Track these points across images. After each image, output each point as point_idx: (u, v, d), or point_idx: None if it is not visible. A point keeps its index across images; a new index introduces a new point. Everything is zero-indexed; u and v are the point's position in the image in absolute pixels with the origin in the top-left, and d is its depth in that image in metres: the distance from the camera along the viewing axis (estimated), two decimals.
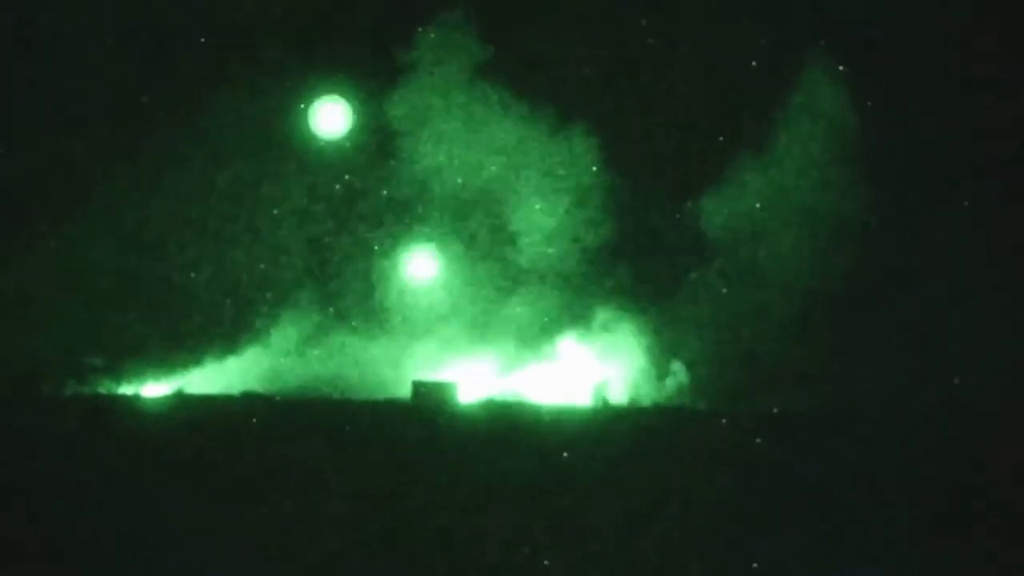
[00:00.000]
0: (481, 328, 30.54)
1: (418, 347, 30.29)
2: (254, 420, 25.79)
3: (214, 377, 29.98)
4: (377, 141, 31.58)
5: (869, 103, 30.30)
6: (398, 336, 30.55)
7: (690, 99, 31.30)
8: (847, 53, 30.45)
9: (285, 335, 30.54)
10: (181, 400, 28.33)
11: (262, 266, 31.43)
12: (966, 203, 30.03)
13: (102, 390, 29.23)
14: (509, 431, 25.13)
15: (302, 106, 31.54)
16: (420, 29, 31.17)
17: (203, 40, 31.34)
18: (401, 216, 31.60)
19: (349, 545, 20.54)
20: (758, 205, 30.40)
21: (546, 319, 30.45)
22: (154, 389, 29.36)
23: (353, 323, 30.85)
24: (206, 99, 31.44)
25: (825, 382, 28.99)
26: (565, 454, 23.49)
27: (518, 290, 30.78)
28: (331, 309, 30.95)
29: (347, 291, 31.31)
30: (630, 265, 30.79)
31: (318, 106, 31.38)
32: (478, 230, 31.31)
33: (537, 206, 31.03)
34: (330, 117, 31.36)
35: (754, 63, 30.63)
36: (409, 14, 31.32)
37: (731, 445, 24.82)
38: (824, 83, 30.42)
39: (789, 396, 28.89)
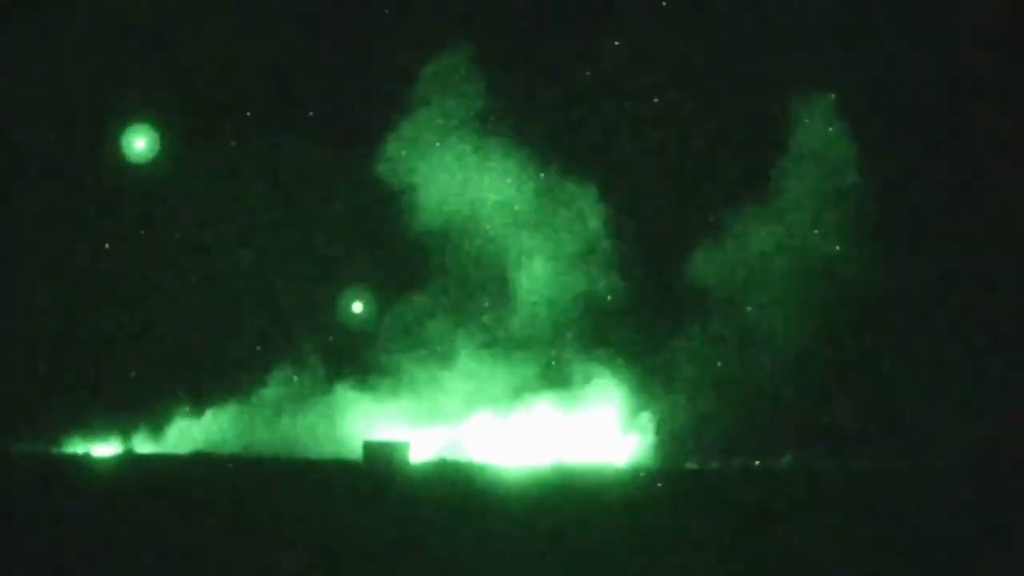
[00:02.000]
0: (461, 386, 30.35)
1: (391, 405, 30.10)
2: (202, 479, 25.61)
3: (182, 437, 29.77)
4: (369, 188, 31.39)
5: (870, 156, 30.12)
6: (376, 393, 30.34)
7: (688, 154, 31.25)
8: (848, 104, 30.44)
9: (262, 393, 30.30)
10: (131, 459, 28.12)
11: (237, 321, 31.27)
12: (972, 257, 29.89)
13: (52, 448, 28.97)
14: (460, 491, 24.96)
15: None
16: (421, 73, 31.00)
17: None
18: (383, 266, 31.47)
19: None
20: (752, 262, 30.32)
21: (524, 377, 30.30)
22: (104, 448, 29.12)
23: (329, 381, 30.63)
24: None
25: (805, 442, 29.03)
26: (520, 514, 23.33)
27: (500, 347, 30.60)
28: (307, 366, 30.73)
29: (324, 347, 31.12)
30: (617, 322, 30.67)
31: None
32: (460, 283, 31.13)
33: (528, 260, 30.90)
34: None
35: (753, 116, 30.59)
36: (410, 56, 31.08)
37: (694, 503, 24.76)
38: (823, 137, 30.36)
39: (763, 455, 28.91)
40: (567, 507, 23.81)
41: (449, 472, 26.41)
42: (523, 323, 30.58)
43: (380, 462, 26.98)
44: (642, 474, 27.38)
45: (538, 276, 30.70)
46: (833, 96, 30.49)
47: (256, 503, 23.59)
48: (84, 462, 27.93)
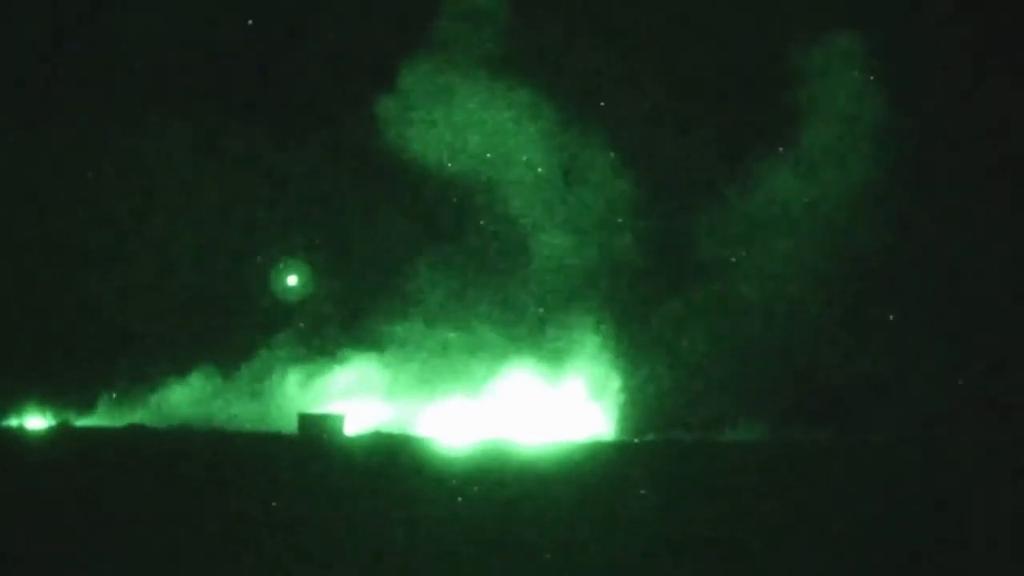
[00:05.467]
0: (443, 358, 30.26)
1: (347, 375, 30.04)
2: (139, 451, 25.59)
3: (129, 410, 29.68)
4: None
5: (885, 112, 29.60)
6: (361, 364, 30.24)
7: (697, 110, 30.73)
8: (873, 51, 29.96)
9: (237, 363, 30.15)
10: (66, 431, 28.03)
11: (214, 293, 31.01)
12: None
13: None
14: (394, 462, 25.06)
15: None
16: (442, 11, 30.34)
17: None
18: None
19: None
20: (758, 229, 30.09)
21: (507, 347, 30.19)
22: (38, 421, 29.01)
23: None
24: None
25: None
26: (454, 484, 23.45)
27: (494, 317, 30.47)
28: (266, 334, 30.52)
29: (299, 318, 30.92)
30: (620, 290, 30.54)
31: None
32: (465, 250, 30.83)
33: (541, 228, 30.60)
34: None
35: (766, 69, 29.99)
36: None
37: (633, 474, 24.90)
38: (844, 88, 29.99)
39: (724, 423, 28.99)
40: (503, 477, 23.95)
41: (382, 444, 26.48)
42: (531, 293, 30.31)
43: (315, 434, 27.03)
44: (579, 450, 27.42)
45: (551, 244, 30.39)
46: (855, 39, 29.86)
47: (191, 473, 23.61)
48: (18, 435, 27.78)
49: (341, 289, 30.86)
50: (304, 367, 29.93)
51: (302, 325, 30.32)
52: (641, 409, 29.57)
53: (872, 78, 29.74)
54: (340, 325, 30.49)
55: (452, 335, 29.99)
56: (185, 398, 29.57)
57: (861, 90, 29.74)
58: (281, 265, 30.43)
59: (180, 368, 29.92)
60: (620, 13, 30.97)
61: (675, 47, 30.72)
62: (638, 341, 29.90)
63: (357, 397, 29.36)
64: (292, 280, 30.26)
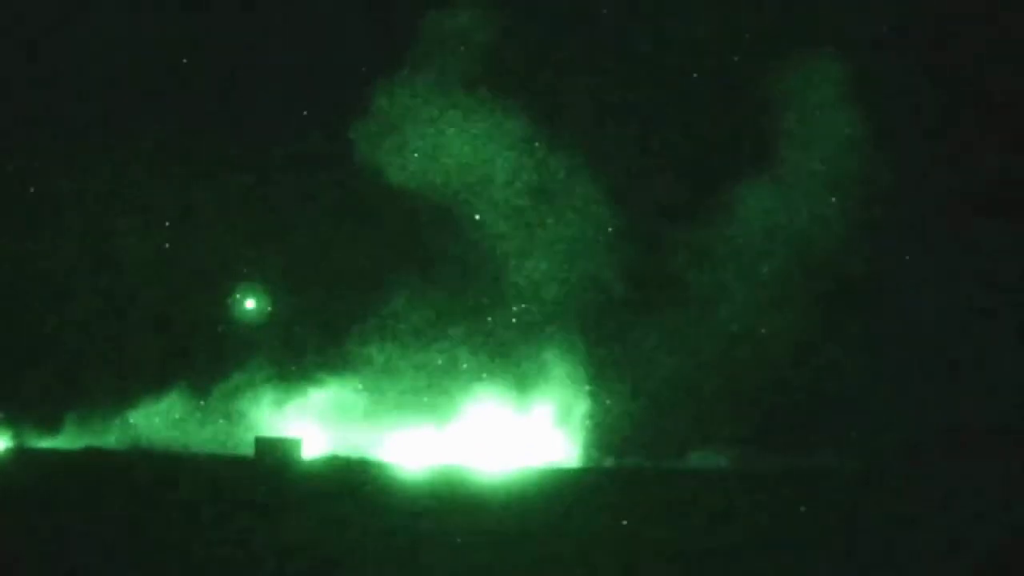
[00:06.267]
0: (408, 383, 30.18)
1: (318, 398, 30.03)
2: (95, 474, 25.58)
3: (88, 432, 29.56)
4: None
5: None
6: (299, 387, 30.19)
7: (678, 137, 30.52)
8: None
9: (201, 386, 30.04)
10: (21, 453, 27.92)
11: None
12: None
13: None
14: (352, 488, 25.10)
15: None
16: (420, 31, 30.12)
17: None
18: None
19: None
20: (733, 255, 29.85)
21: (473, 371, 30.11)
22: None
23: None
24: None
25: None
26: (409, 512, 23.53)
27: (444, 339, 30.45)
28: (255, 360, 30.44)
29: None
30: (579, 311, 30.23)
31: None
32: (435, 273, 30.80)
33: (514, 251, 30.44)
34: None
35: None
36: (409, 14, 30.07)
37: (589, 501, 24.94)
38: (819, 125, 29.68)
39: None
40: (465, 504, 24.04)
41: (341, 468, 26.52)
42: (505, 317, 30.28)
43: (272, 458, 27.02)
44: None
45: (528, 268, 30.19)
46: (838, 62, 29.67)
47: (146, 497, 23.61)
48: None
49: (315, 311, 30.83)
50: (276, 389, 29.91)
51: (274, 347, 30.28)
52: (607, 435, 29.60)
53: (854, 102, 29.64)
54: (314, 347, 30.46)
55: (425, 359, 29.97)
56: (156, 420, 29.51)
57: (843, 114, 29.67)
58: (249, 287, 30.36)
59: (151, 389, 29.79)
60: (602, 37, 31.11)
61: (657, 72, 30.87)
62: (609, 366, 29.95)
63: (324, 420, 29.40)
64: (250, 304, 30.27)
